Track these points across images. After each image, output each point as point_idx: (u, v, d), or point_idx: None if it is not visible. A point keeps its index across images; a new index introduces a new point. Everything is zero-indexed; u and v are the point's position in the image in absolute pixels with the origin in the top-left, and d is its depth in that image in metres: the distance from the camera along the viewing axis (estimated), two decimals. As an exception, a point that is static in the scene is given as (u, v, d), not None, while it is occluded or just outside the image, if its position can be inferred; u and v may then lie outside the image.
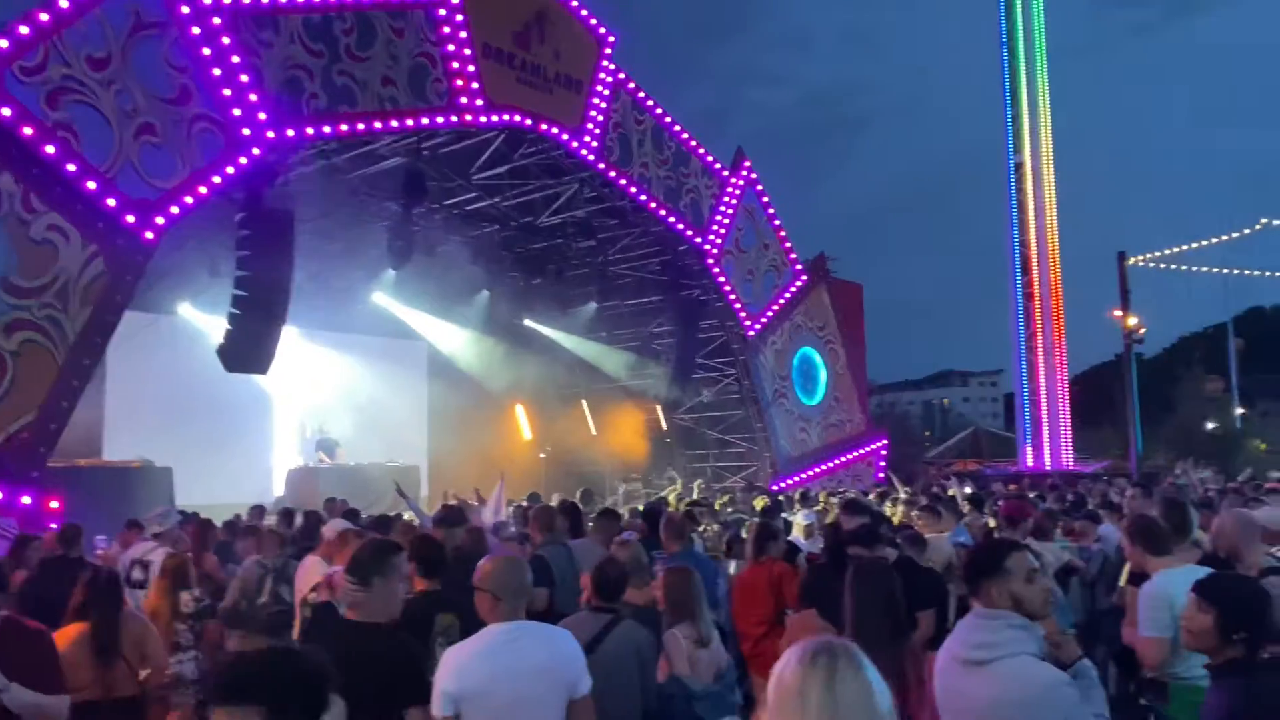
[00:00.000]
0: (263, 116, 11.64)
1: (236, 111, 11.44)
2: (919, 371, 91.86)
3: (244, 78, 11.48)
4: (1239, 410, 37.70)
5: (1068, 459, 27.52)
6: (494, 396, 20.21)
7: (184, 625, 6.08)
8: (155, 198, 10.77)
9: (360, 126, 12.89)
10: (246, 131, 11.51)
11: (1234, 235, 23.86)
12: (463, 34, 13.90)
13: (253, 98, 11.56)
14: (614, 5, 16.32)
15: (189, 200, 11.04)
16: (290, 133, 12.02)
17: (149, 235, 10.69)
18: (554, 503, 12.57)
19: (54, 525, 9.59)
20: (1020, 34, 27.82)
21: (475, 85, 14.06)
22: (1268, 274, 28.39)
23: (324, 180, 14.64)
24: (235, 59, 11.41)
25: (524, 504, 11.16)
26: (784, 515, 10.48)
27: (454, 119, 14.01)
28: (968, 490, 11.45)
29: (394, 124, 13.25)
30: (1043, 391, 27.55)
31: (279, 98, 11.90)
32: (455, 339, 20.06)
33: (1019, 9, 27.89)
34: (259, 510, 11.03)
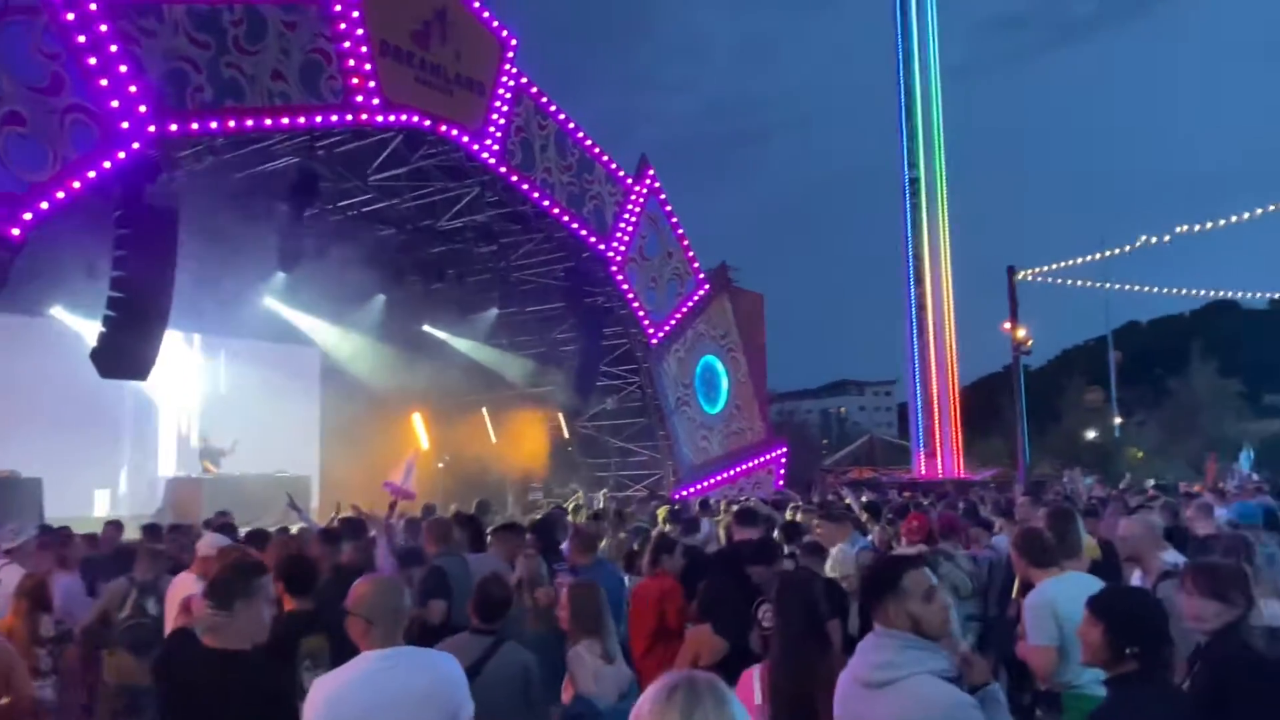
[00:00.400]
0: (143, 109, 11.07)
1: (115, 103, 10.85)
2: (817, 381, 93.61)
3: (123, 68, 10.90)
4: (1117, 420, 39.46)
5: (959, 467, 28.35)
6: (390, 404, 19.63)
7: (43, 650, 5.66)
8: (22, 192, 10.14)
9: (249, 123, 12.38)
10: (125, 125, 10.93)
11: (1114, 252, 24.97)
12: (359, 31, 13.50)
13: (132, 89, 10.97)
14: (512, 7, 16.08)
15: (60, 195, 10.43)
16: (173, 127, 11.48)
17: (15, 232, 10.05)
18: (450, 512, 12.30)
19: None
20: (915, 53, 28.60)
21: (372, 84, 13.67)
22: (1146, 289, 29.77)
23: (212, 178, 14.02)
24: (113, 48, 10.83)
25: (417, 516, 10.81)
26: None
27: (349, 118, 13.60)
28: (864, 499, 11.58)
29: (285, 121, 12.78)
30: (935, 401, 28.32)
31: (161, 90, 11.33)
32: (350, 345, 19.45)
33: (914, 30, 28.68)
34: (115, 526, 10.23)
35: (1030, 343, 22.99)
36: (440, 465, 20.84)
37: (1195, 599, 3.38)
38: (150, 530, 8.93)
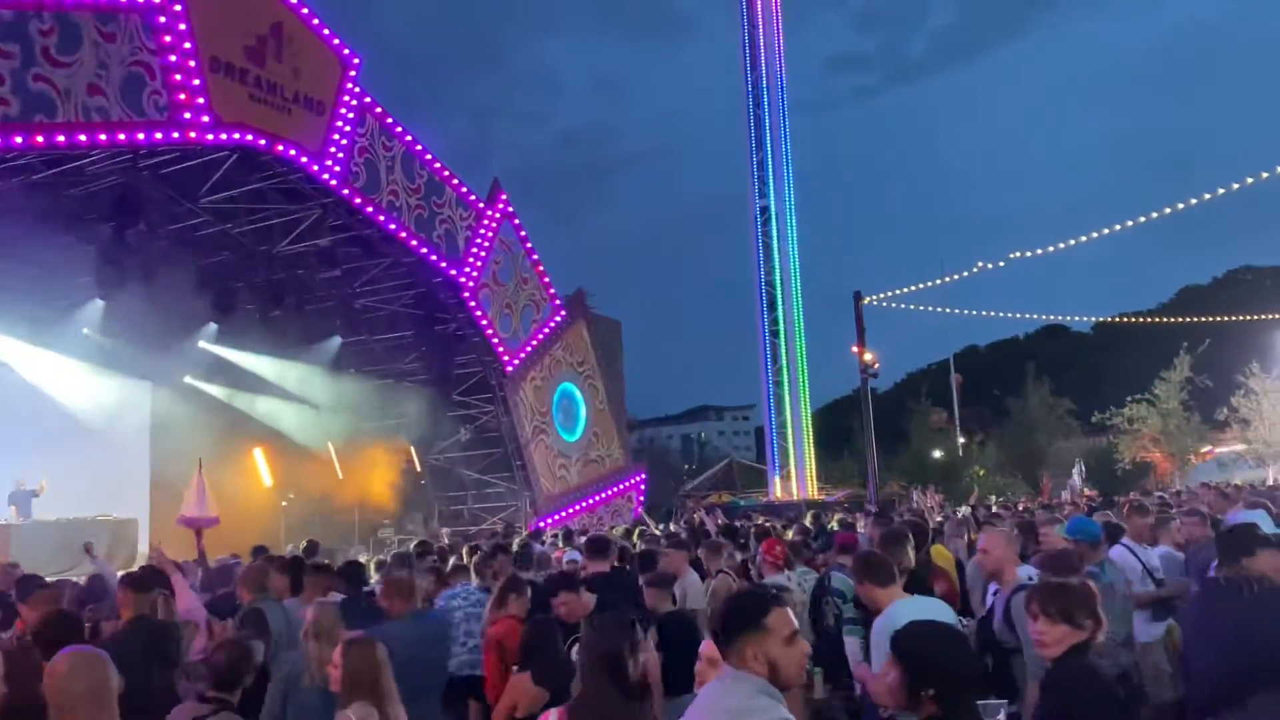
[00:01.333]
0: (-66, 121, 10.08)
1: (-101, 113, 9.84)
2: (677, 407, 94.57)
3: (-90, 75, 9.91)
4: (960, 440, 41.23)
5: (813, 489, 28.93)
6: (228, 439, 18.49)
7: None
8: None
9: (61, 138, 11.46)
10: (-87, 137, 9.91)
11: (954, 277, 26.14)
12: (186, 44, 12.74)
13: (-79, 98, 9.98)
14: (356, 34, 15.58)
15: None
16: (-29, 141, 10.48)
17: None
18: (287, 552, 11.57)
19: None
20: (765, 86, 29.34)
21: (201, 100, 12.91)
22: (983, 313, 31.27)
23: (24, 197, 12.93)
24: (-102, 52, 9.83)
25: (236, 559, 10.05)
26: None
27: (175, 135, 12.80)
28: (720, 522, 11.51)
29: (103, 137, 11.90)
30: (789, 424, 28.86)
31: (-43, 101, 10.35)
32: (180, 375, 18.26)
33: (763, 67, 29.44)
34: None
35: (877, 365, 23.72)
36: (284, 504, 19.80)
37: (1042, 621, 3.31)
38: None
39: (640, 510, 20.94)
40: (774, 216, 28.71)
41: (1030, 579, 4.93)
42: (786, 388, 28.68)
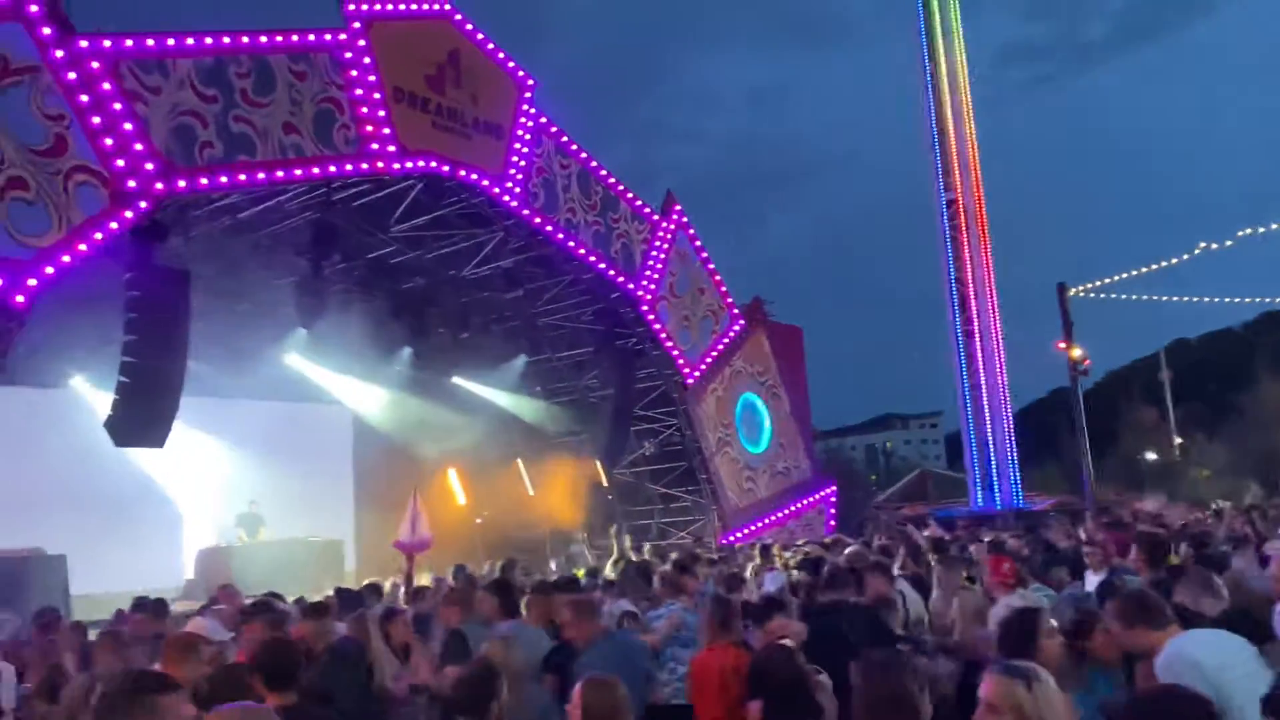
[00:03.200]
0: (150, 167, 10.70)
1: (120, 163, 10.49)
2: (858, 416, 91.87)
3: (128, 125, 10.56)
4: (1177, 440, 37.94)
5: (1019, 497, 27.14)
6: (423, 461, 19.08)
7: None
8: (28, 259, 9.76)
9: (261, 176, 11.99)
10: (132, 184, 10.55)
11: (1170, 262, 23.83)
12: (371, 77, 13.14)
13: (138, 147, 10.62)
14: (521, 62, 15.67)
15: (66, 260, 10.03)
16: (182, 184, 11.08)
17: (20, 299, 9.66)
18: (485, 571, 11.62)
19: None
20: (944, 75, 28.00)
21: (387, 131, 13.28)
22: (1205, 300, 28.44)
23: (226, 237, 13.68)
24: (117, 106, 10.50)
25: (449, 580, 10.11)
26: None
27: (365, 166, 13.20)
28: (925, 533, 10.71)
29: (298, 173, 12.38)
30: (989, 430, 27.20)
31: (169, 147, 10.98)
32: (378, 401, 18.96)
33: (940, 50, 28.10)
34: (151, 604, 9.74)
35: (1088, 362, 21.99)
36: (478, 521, 20.21)
37: None
38: (136, 609, 8.29)
39: (833, 523, 20.16)
40: (961, 209, 27.26)
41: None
42: (985, 391, 27.05)
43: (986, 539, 10.49)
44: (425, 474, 19.33)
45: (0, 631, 5.91)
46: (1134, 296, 23.81)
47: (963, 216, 27.29)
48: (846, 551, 9.39)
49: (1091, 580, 6.80)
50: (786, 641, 4.50)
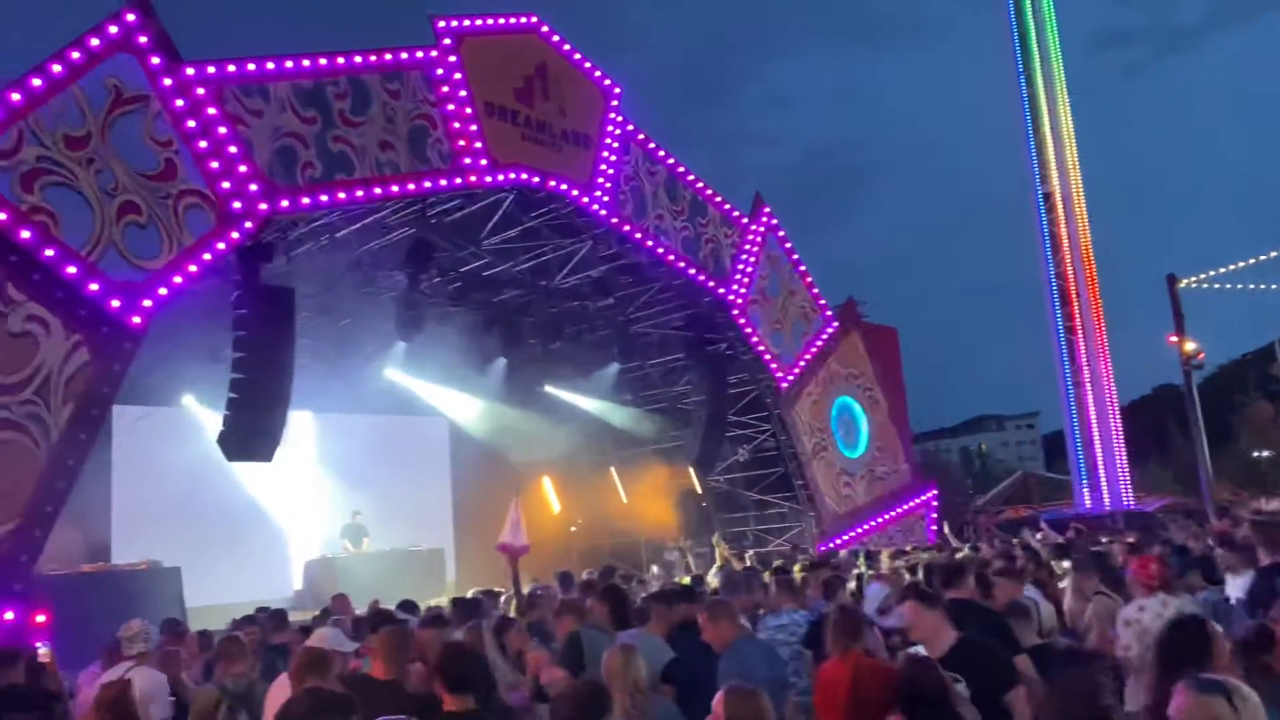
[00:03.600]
0: (254, 188, 10.99)
1: (226, 185, 10.80)
2: (951, 418, 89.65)
3: (233, 149, 10.87)
4: (1297, 436, 36.00)
5: (1128, 498, 26.07)
6: (519, 469, 19.26)
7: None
8: (142, 280, 10.09)
9: (359, 193, 12.22)
10: (237, 205, 10.85)
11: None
12: (462, 92, 13.31)
13: (243, 169, 10.92)
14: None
15: (178, 281, 10.35)
16: (285, 203, 11.35)
17: (136, 320, 9.98)
18: (582, 577, 11.59)
19: (41, 644, 8.76)
20: (1037, 65, 27.15)
21: (479, 145, 13.43)
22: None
23: (326, 255, 13.99)
24: (222, 130, 10.81)
25: (554, 587, 10.08)
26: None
27: (458, 180, 13.36)
28: (1039, 537, 10.29)
29: (395, 189, 12.59)
30: (1095, 428, 26.18)
31: (271, 168, 11.27)
32: (474, 412, 19.21)
33: (1034, 42, 27.26)
34: (274, 615, 9.99)
35: (1201, 355, 21.01)
36: (573, 529, 20.30)
37: None
38: (248, 620, 8.43)
39: (935, 528, 19.64)
40: (1059, 201, 26.39)
41: None
42: (1089, 388, 26.06)
43: (1105, 539, 10.06)
44: (521, 483, 19.49)
45: (148, 641, 6.00)
46: (1246, 286, 22.61)
47: (1060, 209, 26.41)
48: (958, 556, 9.08)
49: (1233, 585, 6.41)
50: (920, 649, 4.32)
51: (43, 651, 8.04)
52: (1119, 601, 6.16)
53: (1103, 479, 26.03)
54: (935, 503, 20.64)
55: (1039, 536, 11.07)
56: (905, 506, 19.81)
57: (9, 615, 8.87)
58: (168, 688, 5.64)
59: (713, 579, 10.77)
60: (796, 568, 9.80)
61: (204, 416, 15.06)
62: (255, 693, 5.16)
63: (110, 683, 5.25)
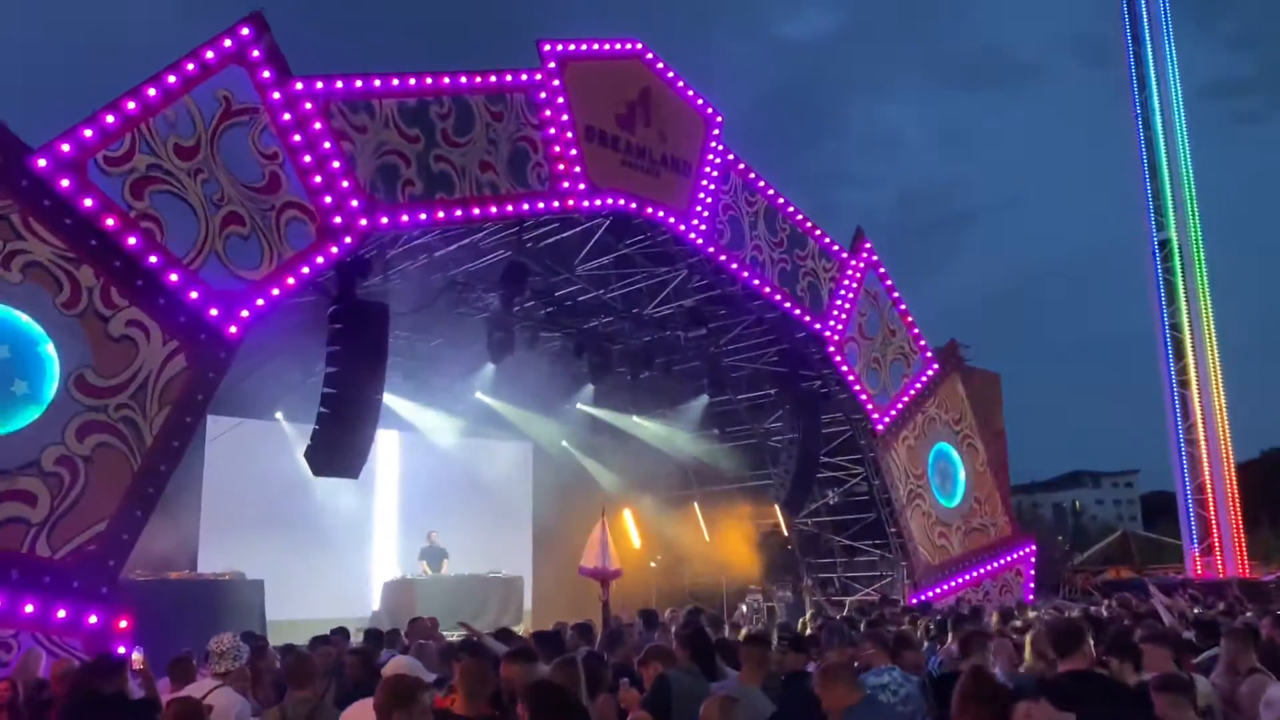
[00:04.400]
0: (355, 204, 10.98)
1: (328, 199, 10.81)
2: (1045, 472, 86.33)
3: (336, 164, 10.89)
4: None
5: (1243, 565, 24.44)
6: (601, 500, 18.92)
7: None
8: (240, 290, 10.12)
9: (458, 213, 12.15)
10: (338, 220, 10.85)
11: None
12: (564, 116, 13.20)
13: (345, 184, 10.93)
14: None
15: (276, 292, 10.36)
16: (385, 220, 11.32)
17: (233, 330, 10.00)
18: (666, 617, 11.16)
19: (123, 648, 8.71)
20: (1157, 110, 26.07)
21: (578, 169, 13.29)
22: None
23: (422, 274, 13.98)
24: (327, 145, 10.84)
25: (638, 622, 9.65)
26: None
27: (556, 204, 13.22)
28: (1165, 603, 9.46)
29: (493, 210, 12.48)
30: (1209, 489, 24.67)
31: (373, 184, 11.27)
32: (559, 438, 18.98)
33: (1154, 86, 26.22)
34: (342, 633, 9.87)
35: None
36: (652, 565, 19.84)
37: None
38: (321, 641, 8.21)
39: (1031, 585, 18.66)
40: (1176, 249, 25.15)
41: None
42: (1203, 446, 24.59)
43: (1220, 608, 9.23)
44: (601, 513, 19.16)
45: (237, 660, 5.76)
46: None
47: (1177, 259, 25.15)
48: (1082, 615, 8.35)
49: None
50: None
51: (136, 658, 7.94)
52: (1272, 679, 5.52)
53: (1217, 543, 24.48)
54: (1034, 559, 19.61)
55: (1163, 602, 10.17)
56: (1003, 560, 18.84)
57: (93, 619, 8.85)
58: (249, 711, 5.39)
59: (807, 628, 10.17)
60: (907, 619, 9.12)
61: (291, 432, 15.14)
62: (320, 716, 4.86)
63: (183, 698, 4.98)
